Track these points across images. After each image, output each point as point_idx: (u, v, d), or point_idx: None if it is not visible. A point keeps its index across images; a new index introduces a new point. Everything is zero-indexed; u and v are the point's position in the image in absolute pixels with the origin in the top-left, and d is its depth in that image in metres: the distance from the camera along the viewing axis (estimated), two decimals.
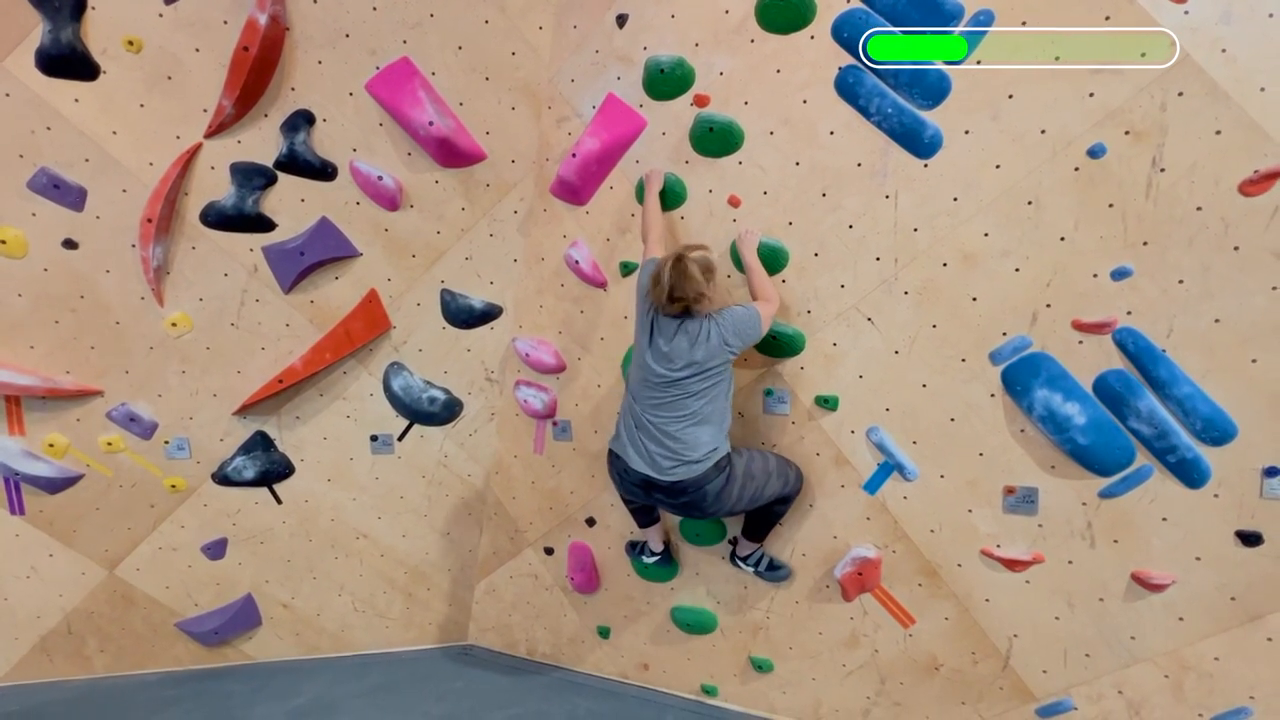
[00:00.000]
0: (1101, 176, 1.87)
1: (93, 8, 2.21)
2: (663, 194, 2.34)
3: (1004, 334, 2.04)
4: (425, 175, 2.53)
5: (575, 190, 2.49)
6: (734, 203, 2.28)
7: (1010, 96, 1.93)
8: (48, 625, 2.76)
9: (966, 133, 1.99)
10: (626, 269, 2.47)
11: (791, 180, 2.20)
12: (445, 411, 2.79)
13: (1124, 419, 1.94)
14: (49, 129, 2.28)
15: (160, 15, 2.24)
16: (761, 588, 2.49)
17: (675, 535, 2.58)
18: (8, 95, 2.24)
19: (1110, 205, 1.88)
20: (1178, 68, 1.77)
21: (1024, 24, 1.88)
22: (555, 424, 2.73)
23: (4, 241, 2.35)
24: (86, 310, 2.47)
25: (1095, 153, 1.87)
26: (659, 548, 2.51)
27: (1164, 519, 1.96)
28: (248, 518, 2.79)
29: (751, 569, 2.40)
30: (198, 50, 2.28)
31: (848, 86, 2.08)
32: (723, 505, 2.11)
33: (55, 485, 2.60)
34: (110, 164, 2.34)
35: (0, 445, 2.52)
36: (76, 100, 2.27)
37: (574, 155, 2.42)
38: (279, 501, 2.79)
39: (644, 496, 2.17)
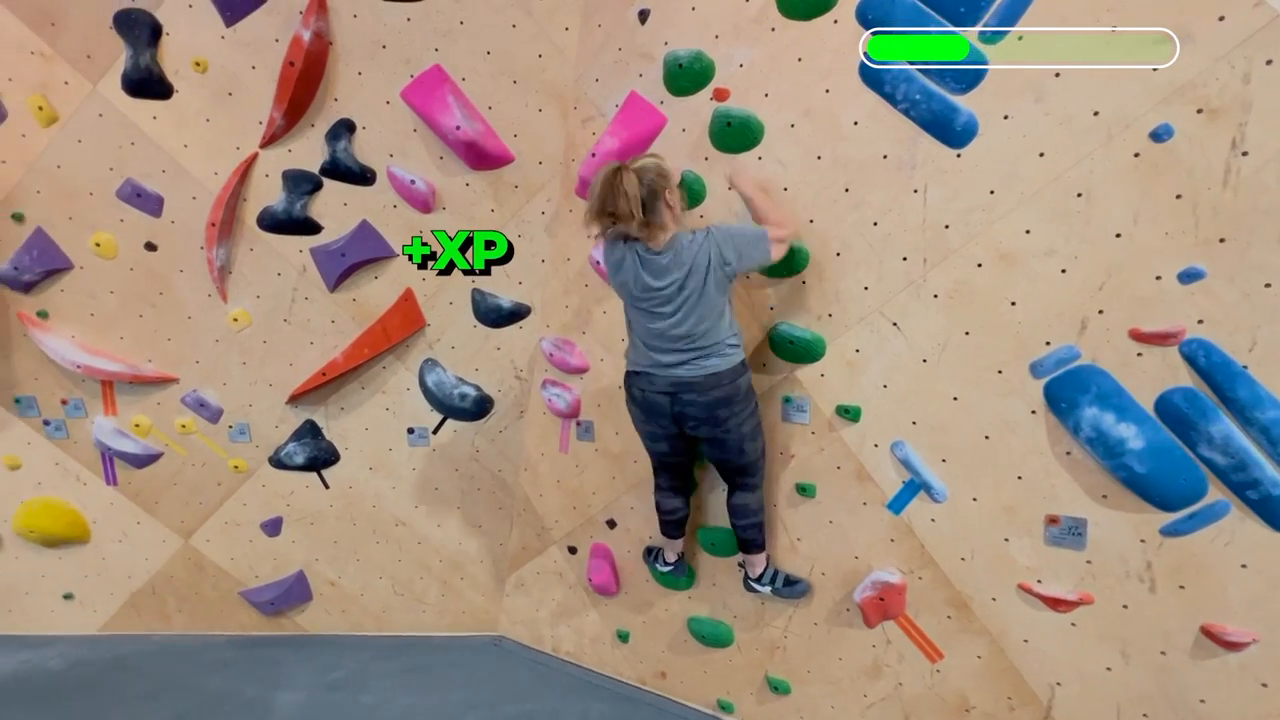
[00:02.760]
0: (1167, 163, 1.61)
1: (167, 34, 2.46)
2: (683, 187, 2.26)
3: (1047, 343, 1.81)
4: (456, 178, 2.61)
5: None
6: None
7: (1057, 75, 1.70)
8: (136, 585, 3.12)
9: (1005, 118, 1.78)
10: None
11: (813, 175, 2.07)
12: (476, 407, 2.87)
13: (1193, 445, 1.66)
14: (133, 144, 2.56)
15: (222, 37, 2.45)
16: (779, 605, 2.37)
17: (692, 542, 2.51)
18: (100, 115, 2.54)
19: (1178, 196, 1.61)
20: (1266, 30, 1.48)
21: None
22: (579, 424, 2.74)
23: (99, 244, 2.67)
24: (164, 305, 2.75)
25: (1160, 135, 1.61)
26: (672, 558, 2.45)
27: (1243, 565, 1.66)
28: (300, 499, 3.00)
29: (768, 588, 2.28)
30: (254, 68, 2.48)
31: (873, 72, 1.92)
32: (745, 410, 2.03)
33: (141, 461, 2.93)
34: (182, 174, 2.59)
35: (97, 424, 2.87)
36: (155, 118, 2.54)
37: (593, 155, 2.41)
38: (326, 486, 2.98)
39: (669, 408, 2.03)
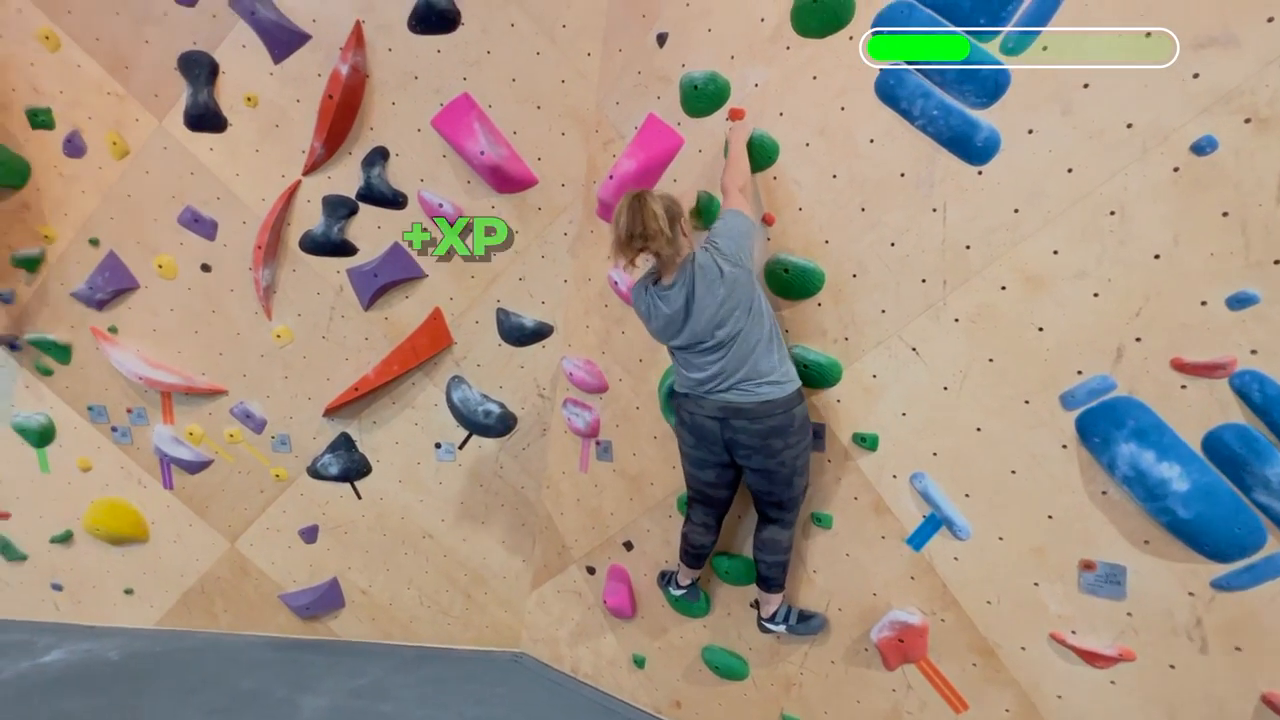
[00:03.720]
0: (1211, 178, 1.47)
1: (223, 72, 2.66)
2: (697, 211, 2.25)
3: (1079, 373, 1.67)
4: (483, 201, 2.69)
5: None
6: (768, 220, 2.13)
7: (1085, 85, 1.59)
8: (188, 583, 3.31)
9: (1030, 132, 1.67)
10: None
11: (828, 195, 2.01)
12: (500, 424, 2.91)
13: (1247, 490, 1.49)
14: (192, 174, 2.78)
15: (271, 74, 2.63)
16: (794, 640, 2.27)
17: (707, 568, 2.44)
18: (165, 148, 2.76)
19: (1224, 214, 1.47)
20: None
21: None
22: (598, 444, 2.73)
23: (161, 266, 2.89)
24: (217, 322, 2.95)
25: (1202, 148, 1.47)
26: (685, 583, 2.39)
27: None
28: (335, 509, 3.12)
29: (782, 626, 2.18)
30: (298, 101, 2.64)
31: (889, 88, 1.86)
32: (800, 443, 1.96)
33: (194, 467, 3.12)
34: (234, 201, 2.78)
35: (156, 431, 3.09)
36: (211, 149, 2.74)
37: (611, 177, 2.43)
38: (359, 497, 3.09)
39: (719, 434, 1.98)
